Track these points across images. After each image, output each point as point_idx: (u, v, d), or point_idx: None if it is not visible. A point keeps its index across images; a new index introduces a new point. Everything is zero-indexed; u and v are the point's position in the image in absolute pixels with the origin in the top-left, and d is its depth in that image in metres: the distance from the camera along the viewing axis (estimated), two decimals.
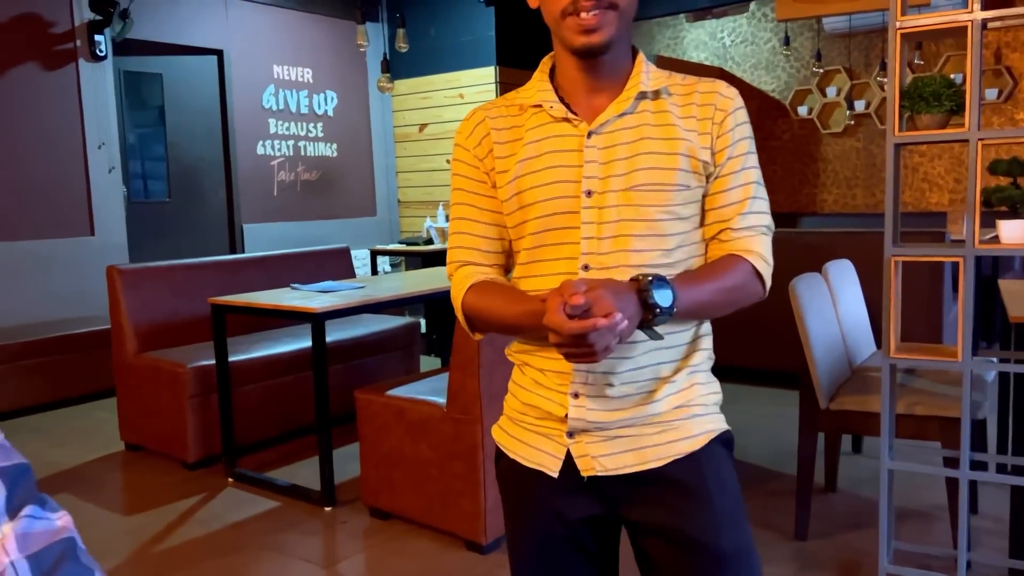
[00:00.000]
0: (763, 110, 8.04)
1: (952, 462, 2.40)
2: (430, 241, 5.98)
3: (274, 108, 6.47)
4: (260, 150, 6.40)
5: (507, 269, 1.30)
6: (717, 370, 1.29)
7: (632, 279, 1.07)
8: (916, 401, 2.53)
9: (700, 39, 8.37)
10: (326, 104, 6.84)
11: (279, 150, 6.53)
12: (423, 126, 6.99)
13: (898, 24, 2.11)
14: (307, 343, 3.96)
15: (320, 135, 6.81)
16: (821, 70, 7.71)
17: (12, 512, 0.64)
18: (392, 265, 6.96)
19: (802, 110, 7.90)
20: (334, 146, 6.92)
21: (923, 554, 2.54)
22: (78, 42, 5.30)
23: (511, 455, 1.27)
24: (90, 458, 3.88)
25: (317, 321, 3.13)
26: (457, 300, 1.25)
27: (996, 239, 2.20)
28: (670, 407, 1.18)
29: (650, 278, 1.05)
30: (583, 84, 1.20)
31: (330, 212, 6.91)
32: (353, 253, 5.46)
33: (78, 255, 5.31)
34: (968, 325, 2.08)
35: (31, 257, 5.10)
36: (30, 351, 4.63)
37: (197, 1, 5.94)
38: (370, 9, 6.89)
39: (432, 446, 2.80)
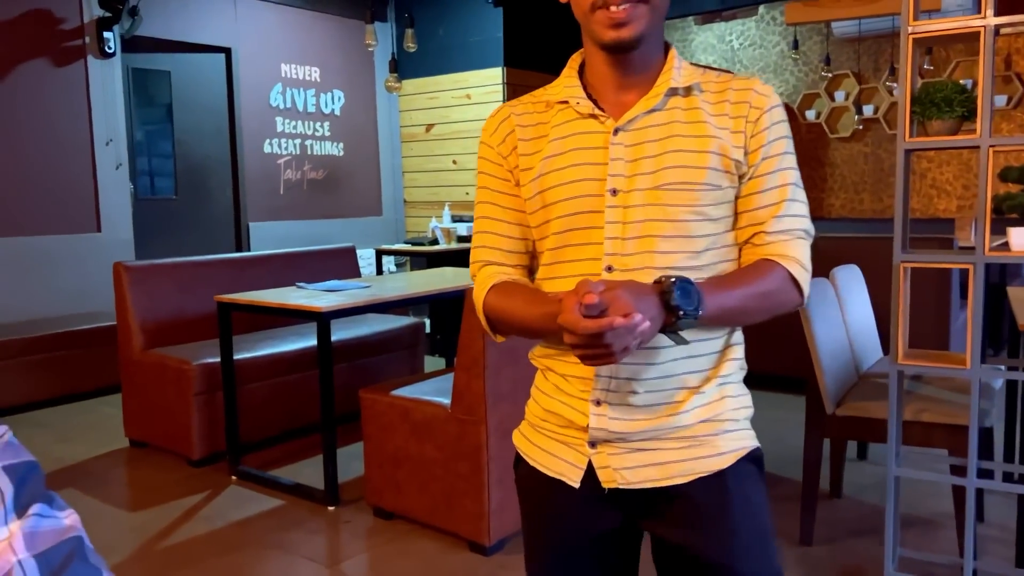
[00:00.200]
0: None
1: (959, 470, 2.39)
2: (435, 241, 5.98)
3: (281, 107, 6.48)
4: (267, 148, 6.41)
5: (532, 270, 1.26)
6: None
7: (655, 281, 1.03)
8: (923, 408, 2.52)
9: (708, 42, 8.36)
10: (333, 103, 6.84)
11: (286, 149, 6.53)
12: (430, 126, 6.99)
13: (910, 29, 2.10)
14: (312, 342, 3.96)
15: (327, 134, 6.81)
16: (830, 74, 7.69)
17: (20, 510, 0.64)
18: (397, 265, 6.96)
19: (810, 114, 7.87)
20: (341, 145, 6.92)
21: (928, 562, 2.53)
22: (87, 39, 5.31)
23: (531, 462, 1.23)
24: (95, 454, 3.88)
25: (322, 320, 3.13)
26: (479, 301, 1.22)
27: (1005, 246, 2.18)
28: (697, 420, 1.13)
29: (673, 279, 1.01)
30: (612, 80, 1.15)
31: (336, 211, 6.91)
32: (358, 252, 5.47)
33: (85, 251, 5.32)
34: (977, 333, 2.07)
35: (38, 253, 5.11)
36: (37, 346, 4.64)
37: None
38: (379, 8, 6.89)
39: (436, 446, 2.79)
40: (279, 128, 6.48)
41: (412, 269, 6.44)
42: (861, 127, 7.67)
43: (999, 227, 2.35)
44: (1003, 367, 2.89)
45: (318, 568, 2.70)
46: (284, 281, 4.28)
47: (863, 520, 2.97)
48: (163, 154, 6.17)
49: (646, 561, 1.26)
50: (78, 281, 5.26)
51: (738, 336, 1.20)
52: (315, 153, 6.73)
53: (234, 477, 3.51)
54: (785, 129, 1.16)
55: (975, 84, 2.52)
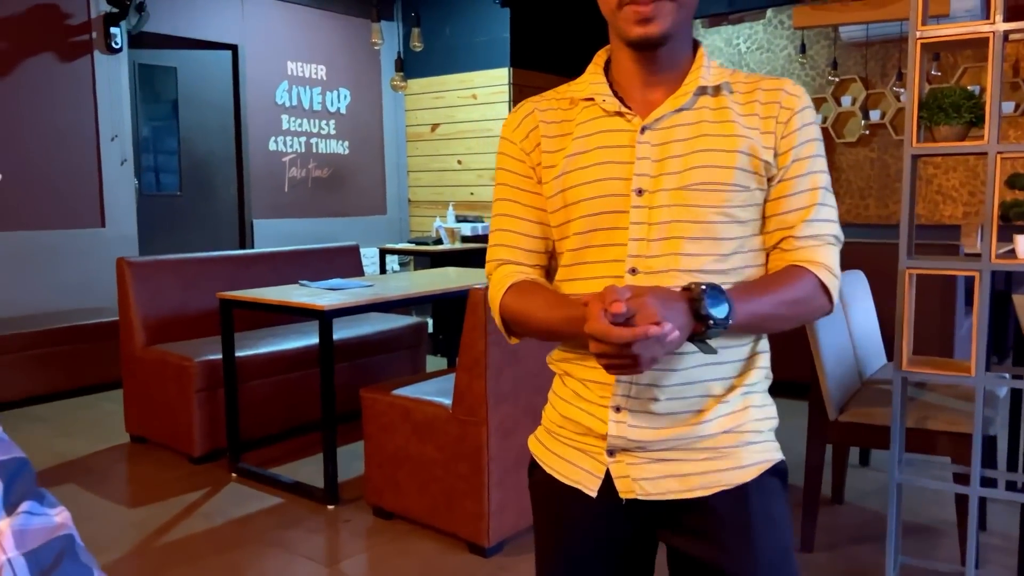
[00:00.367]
0: None
1: (962, 478, 2.37)
2: (439, 241, 5.98)
3: (287, 104, 6.48)
4: (272, 146, 6.41)
5: (549, 271, 1.21)
6: None
7: (684, 288, 0.99)
8: (926, 415, 2.51)
9: (716, 45, 8.35)
10: (339, 101, 6.84)
11: (291, 146, 6.54)
12: (435, 126, 6.98)
13: (919, 34, 2.09)
14: (314, 340, 3.96)
15: (332, 132, 6.81)
16: (837, 79, 7.67)
17: (9, 508, 0.63)
18: (401, 264, 6.96)
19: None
20: (346, 144, 6.92)
21: (930, 570, 2.52)
22: (94, 34, 5.32)
23: (547, 469, 1.20)
24: (96, 449, 3.88)
25: (324, 319, 3.12)
26: (495, 301, 1.17)
27: (1012, 253, 2.17)
28: (720, 430, 1.09)
29: (704, 287, 0.97)
30: (639, 78, 1.12)
31: (340, 210, 6.91)
32: (362, 251, 5.46)
33: (88, 246, 5.32)
34: (982, 340, 2.06)
35: (41, 247, 5.12)
36: (39, 341, 4.65)
37: None
38: (385, 7, 6.89)
39: (437, 447, 2.78)
40: (284, 126, 6.48)
41: (416, 268, 6.43)
42: (867, 132, 7.66)
43: (1006, 234, 2.34)
44: (1008, 375, 2.87)
45: (317, 567, 2.69)
46: (287, 279, 4.28)
47: (865, 527, 2.95)
48: (168, 150, 6.18)
49: (660, 568, 1.24)
50: (81, 276, 5.27)
51: (764, 344, 1.16)
52: (320, 151, 6.73)
53: (234, 474, 3.50)
54: (816, 131, 1.12)
55: (983, 90, 2.51)
